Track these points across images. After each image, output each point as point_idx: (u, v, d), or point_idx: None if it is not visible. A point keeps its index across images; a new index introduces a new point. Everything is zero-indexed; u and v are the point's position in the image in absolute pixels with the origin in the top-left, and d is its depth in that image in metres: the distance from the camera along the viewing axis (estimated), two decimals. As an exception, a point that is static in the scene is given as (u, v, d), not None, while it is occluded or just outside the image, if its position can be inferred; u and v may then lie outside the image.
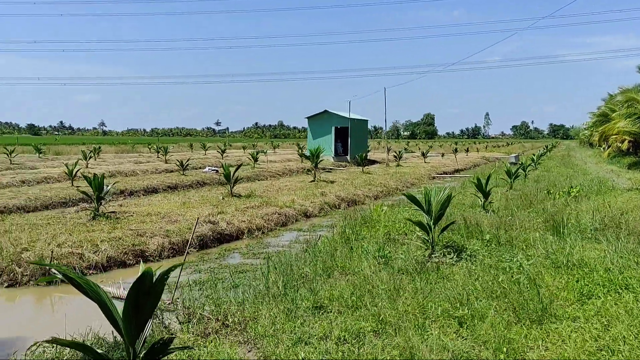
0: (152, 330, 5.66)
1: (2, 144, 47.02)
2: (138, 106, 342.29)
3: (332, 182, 21.35)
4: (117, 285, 7.40)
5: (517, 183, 18.39)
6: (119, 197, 17.40)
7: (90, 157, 30.35)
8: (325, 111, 38.61)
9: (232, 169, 16.78)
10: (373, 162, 37.52)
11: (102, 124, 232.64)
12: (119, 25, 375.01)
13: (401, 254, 8.00)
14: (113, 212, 12.17)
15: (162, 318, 5.87)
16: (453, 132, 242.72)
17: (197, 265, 9.18)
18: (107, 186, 11.82)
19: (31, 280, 7.88)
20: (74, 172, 18.65)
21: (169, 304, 6.65)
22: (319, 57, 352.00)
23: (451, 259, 7.78)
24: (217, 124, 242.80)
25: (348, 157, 37.43)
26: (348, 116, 37.54)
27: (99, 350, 3.47)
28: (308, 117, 39.48)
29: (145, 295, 3.27)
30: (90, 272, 8.47)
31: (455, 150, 46.94)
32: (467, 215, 11.00)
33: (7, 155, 29.89)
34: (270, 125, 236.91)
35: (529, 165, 23.96)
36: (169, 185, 20.69)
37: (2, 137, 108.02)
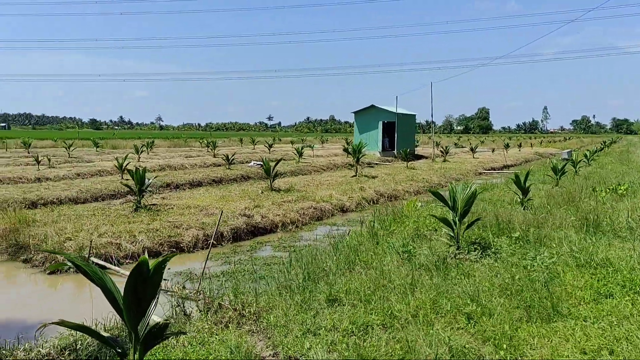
0: (172, 315, 5.95)
1: (63, 138, 49.43)
2: (193, 101, 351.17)
3: (373, 177, 21.35)
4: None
5: (565, 180, 17.83)
6: (165, 190, 18.01)
7: (143, 151, 31.43)
8: (372, 106, 38.47)
9: (272, 164, 17.06)
10: (420, 157, 37.16)
11: (159, 118, 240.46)
12: (176, 23, 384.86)
13: (425, 249, 8.00)
14: (154, 204, 12.68)
15: (184, 307, 6.14)
16: (509, 127, 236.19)
17: (227, 257, 9.49)
18: (149, 179, 12.31)
19: (71, 268, 8.34)
20: (123, 166, 19.41)
21: (194, 293, 6.94)
22: (371, 51, 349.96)
23: (475, 255, 7.74)
24: (269, 118, 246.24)
25: (395, 152, 37.19)
26: (395, 111, 37.27)
27: (104, 334, 3.73)
28: (354, 112, 39.46)
29: (143, 284, 3.49)
30: (127, 261, 8.90)
31: (507, 146, 45.85)
32: (501, 212, 10.84)
33: (66, 149, 31.40)
34: (321, 120, 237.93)
35: (580, 161, 23.16)
36: (213, 179, 21.23)
37: (65, 132, 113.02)
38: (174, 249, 9.65)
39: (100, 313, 5.64)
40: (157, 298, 3.62)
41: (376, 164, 32.22)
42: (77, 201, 15.12)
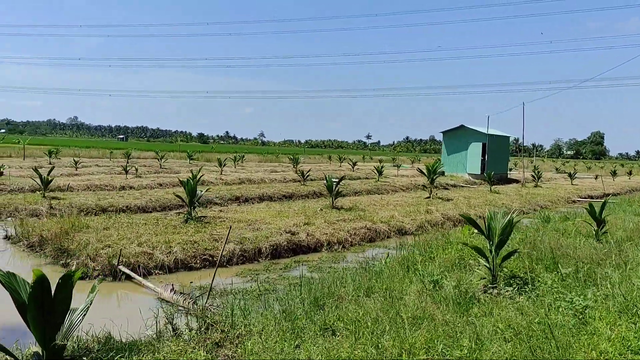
0: (161, 331, 5.74)
1: (165, 150, 52.41)
2: (295, 118, 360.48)
3: (449, 200, 20.33)
4: (166, 286, 7.69)
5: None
6: (233, 203, 18.23)
7: (227, 165, 32.35)
8: (462, 126, 37.04)
9: (335, 182, 16.72)
10: (511, 181, 35.12)
11: (262, 134, 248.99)
12: (278, 43, 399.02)
13: (453, 281, 7.27)
14: (204, 216, 12.78)
15: (176, 323, 5.93)
16: (627, 153, 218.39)
17: (257, 274, 9.23)
18: (201, 192, 12.46)
19: (100, 275, 8.51)
20: (197, 177, 19.93)
21: (201, 309, 6.74)
22: (472, 70, 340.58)
23: (510, 291, 6.90)
24: (368, 137, 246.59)
25: (485, 175, 35.41)
26: (486, 132, 35.57)
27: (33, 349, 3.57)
28: (443, 132, 38.20)
29: (49, 298, 3.30)
30: (157, 272, 8.93)
31: (614, 173, 42.19)
32: (563, 243, 9.75)
33: (158, 160, 33.10)
34: (420, 140, 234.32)
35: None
36: (284, 194, 21.25)
37: (175, 144, 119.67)
38: (207, 262, 9.58)
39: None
40: (70, 314, 3.42)
41: (462, 186, 30.88)
42: (145, 210, 15.69)
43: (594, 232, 11.16)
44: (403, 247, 10.39)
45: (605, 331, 5.14)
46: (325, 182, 27.37)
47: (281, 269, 9.82)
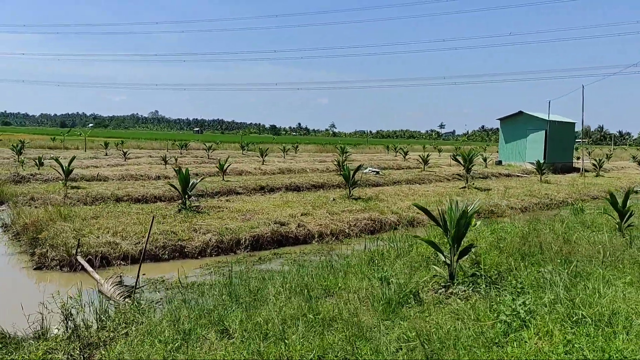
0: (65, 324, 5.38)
1: (221, 141, 53.25)
2: (367, 109, 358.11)
3: (487, 189, 19.02)
4: (110, 279, 7.35)
5: None
6: (257, 193, 17.89)
7: (266, 155, 32.14)
8: (520, 112, 34.82)
9: (352, 171, 15.99)
10: (573, 169, 32.71)
11: (333, 125, 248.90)
12: (350, 32, 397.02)
13: (403, 279, 6.47)
14: (198, 206, 12.49)
15: (84, 317, 5.55)
16: None
17: (223, 267, 8.74)
18: (195, 181, 12.19)
19: (58, 265, 8.37)
20: (225, 167, 19.83)
21: (124, 303, 6.37)
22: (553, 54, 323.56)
23: (464, 291, 6.05)
24: (441, 126, 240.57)
25: (543, 164, 33.15)
26: (547, 118, 33.20)
27: None
28: (500, 119, 36.13)
29: None
30: (119, 262, 8.68)
31: (699, 161, 38.27)
32: (571, 238, 8.63)
33: (206, 150, 33.52)
34: (497, 129, 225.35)
35: None
36: (314, 184, 20.67)
37: (248, 136, 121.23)
38: (177, 254, 9.25)
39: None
40: None
41: (518, 175, 29.03)
42: (161, 199, 15.61)
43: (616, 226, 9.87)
44: (392, 240, 9.56)
45: (531, 343, 4.26)
46: (363, 171, 26.70)
47: (255, 261, 9.31)
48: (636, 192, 22.91)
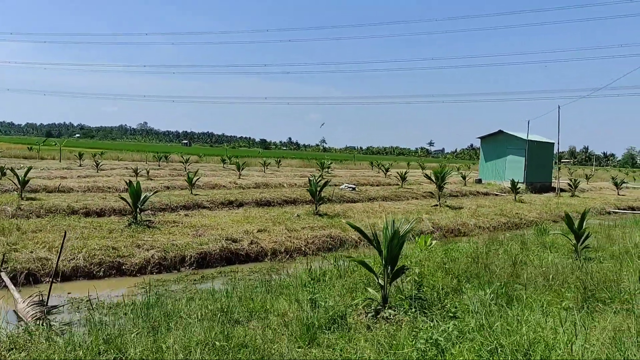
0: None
1: (206, 154, 52.74)
2: (357, 125, 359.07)
3: (458, 208, 18.73)
4: (34, 297, 6.90)
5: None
6: (225, 208, 17.46)
7: (243, 169, 31.70)
8: (500, 131, 34.78)
9: (319, 187, 15.64)
10: (550, 189, 32.62)
11: (323, 141, 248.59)
12: (338, 49, 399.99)
13: (331, 301, 6.10)
14: (149, 220, 12.05)
15: None
16: None
17: (160, 286, 8.26)
18: (146, 195, 11.76)
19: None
20: (193, 181, 19.41)
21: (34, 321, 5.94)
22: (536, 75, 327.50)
23: (396, 315, 5.69)
24: (430, 144, 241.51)
25: (524, 184, 33.08)
26: (526, 138, 33.17)
27: None
28: (481, 137, 36.03)
29: None
30: (47, 279, 8.20)
31: (677, 183, 38.34)
32: (524, 260, 8.33)
33: (182, 163, 33.04)
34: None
35: None
36: (286, 199, 20.26)
37: (237, 150, 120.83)
38: (114, 271, 8.80)
39: None
40: None
41: (495, 194, 28.87)
42: (122, 212, 15.12)
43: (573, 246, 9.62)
44: (337, 259, 9.18)
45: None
46: (340, 187, 26.35)
47: (197, 280, 8.88)
48: (609, 213, 22.81)
